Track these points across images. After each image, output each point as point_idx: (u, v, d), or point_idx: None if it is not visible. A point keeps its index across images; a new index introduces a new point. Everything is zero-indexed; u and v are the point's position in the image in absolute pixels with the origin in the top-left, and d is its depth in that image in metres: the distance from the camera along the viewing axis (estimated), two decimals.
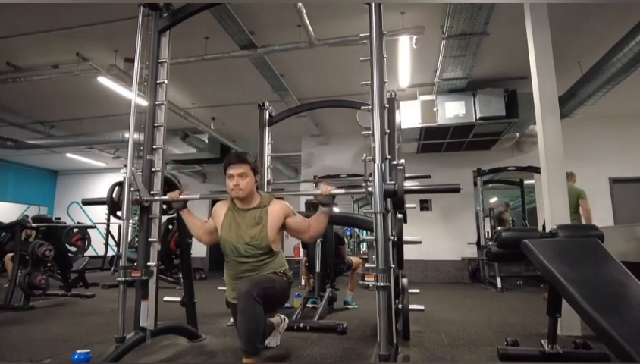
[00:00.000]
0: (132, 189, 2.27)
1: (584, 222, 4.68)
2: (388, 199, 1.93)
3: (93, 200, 2.59)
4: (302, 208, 5.21)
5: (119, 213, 2.30)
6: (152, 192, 2.40)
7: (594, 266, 1.86)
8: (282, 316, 2.52)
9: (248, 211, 2.09)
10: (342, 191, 2.05)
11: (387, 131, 2.00)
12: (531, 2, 3.46)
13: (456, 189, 1.95)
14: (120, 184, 2.33)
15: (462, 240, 7.15)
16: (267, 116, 3.53)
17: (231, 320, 3.34)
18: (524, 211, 8.24)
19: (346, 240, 4.72)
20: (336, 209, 5.82)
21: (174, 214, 2.82)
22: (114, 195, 2.34)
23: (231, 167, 2.06)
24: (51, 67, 5.11)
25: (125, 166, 2.32)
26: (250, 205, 2.10)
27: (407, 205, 2.61)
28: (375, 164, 1.90)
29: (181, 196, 2.26)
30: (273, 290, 1.96)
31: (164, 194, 2.41)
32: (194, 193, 2.37)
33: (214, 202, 2.44)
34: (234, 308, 1.97)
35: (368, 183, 1.92)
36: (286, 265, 2.13)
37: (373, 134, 1.94)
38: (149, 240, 2.36)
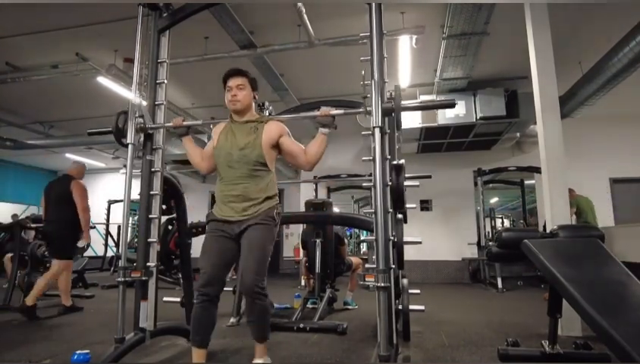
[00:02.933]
0: (136, 115, 2.31)
1: None
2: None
3: (99, 130, 2.58)
4: (302, 208, 5.20)
5: (124, 140, 2.33)
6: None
7: (595, 266, 1.86)
8: None
9: (245, 123, 2.12)
10: (341, 111, 2.08)
11: (388, 131, 1.99)
12: (532, 2, 3.46)
13: (451, 105, 2.15)
14: (125, 112, 2.36)
15: (462, 241, 7.14)
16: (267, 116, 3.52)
17: (231, 320, 3.34)
18: (524, 211, 8.25)
19: (346, 240, 4.70)
20: (335, 209, 5.80)
21: (174, 215, 2.82)
22: (119, 123, 2.36)
23: (230, 80, 2.10)
24: (50, 67, 5.10)
25: (125, 166, 2.31)
26: (247, 118, 2.14)
27: (407, 205, 2.61)
28: (373, 81, 1.93)
29: (184, 123, 2.32)
30: (266, 258, 1.99)
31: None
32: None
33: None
34: (217, 223, 2.04)
35: (367, 104, 1.95)
36: (276, 191, 2.13)
37: (373, 134, 1.94)
38: (149, 240, 2.34)
